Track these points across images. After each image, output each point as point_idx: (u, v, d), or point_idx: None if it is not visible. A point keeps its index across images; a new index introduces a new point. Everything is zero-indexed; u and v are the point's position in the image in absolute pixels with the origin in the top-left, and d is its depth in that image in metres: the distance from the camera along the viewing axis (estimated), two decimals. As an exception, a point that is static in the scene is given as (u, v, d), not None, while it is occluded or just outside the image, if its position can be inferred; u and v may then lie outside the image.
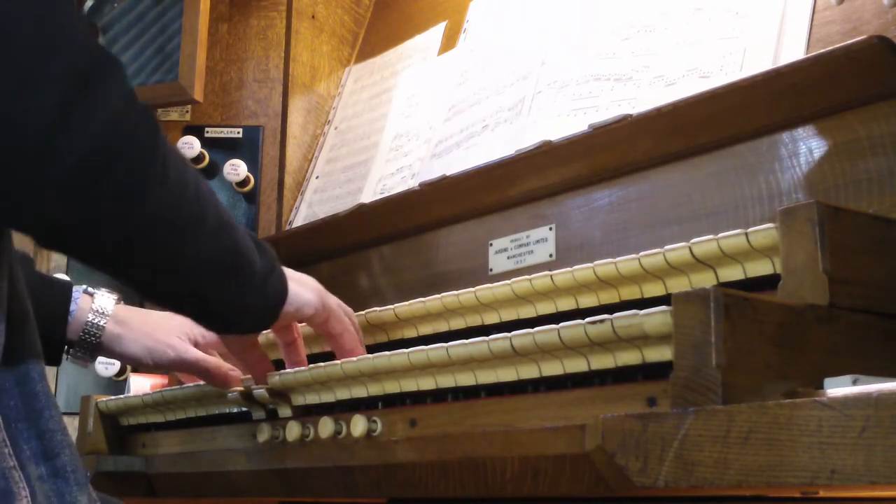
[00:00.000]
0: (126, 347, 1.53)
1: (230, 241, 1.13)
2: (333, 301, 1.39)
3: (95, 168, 0.91)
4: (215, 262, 1.12)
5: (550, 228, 1.59)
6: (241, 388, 1.43)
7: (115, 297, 1.56)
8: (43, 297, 1.43)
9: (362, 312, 1.51)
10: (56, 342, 1.49)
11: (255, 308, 1.22)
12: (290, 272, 1.31)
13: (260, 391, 1.38)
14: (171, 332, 1.55)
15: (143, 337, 1.53)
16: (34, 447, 1.00)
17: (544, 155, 1.56)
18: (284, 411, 1.38)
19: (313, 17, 2.35)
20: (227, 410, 1.52)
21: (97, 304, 1.52)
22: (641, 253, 1.16)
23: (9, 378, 1.00)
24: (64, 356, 1.54)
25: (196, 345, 1.55)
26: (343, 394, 1.30)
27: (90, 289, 1.54)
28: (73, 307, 1.50)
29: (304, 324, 1.41)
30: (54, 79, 0.87)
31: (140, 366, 1.64)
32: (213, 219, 1.09)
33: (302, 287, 1.32)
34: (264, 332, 1.44)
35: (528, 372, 1.08)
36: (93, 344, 1.52)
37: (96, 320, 1.52)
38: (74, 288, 1.51)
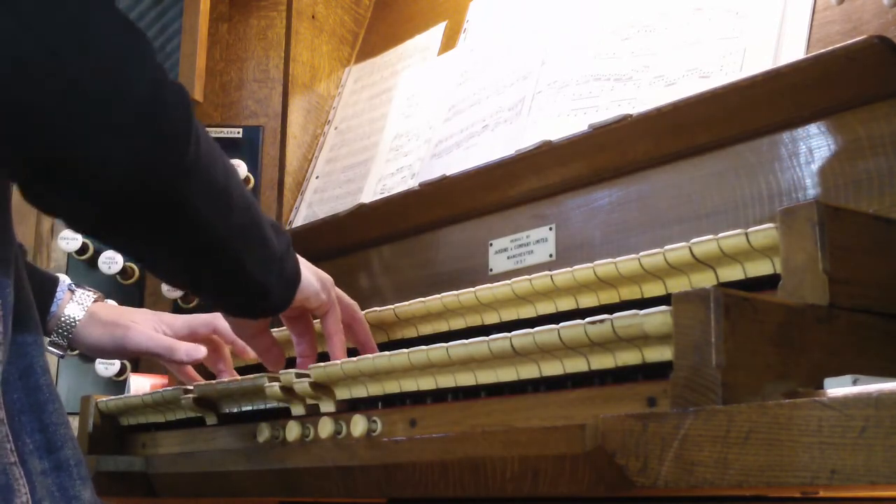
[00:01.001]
0: (93, 340, 1.57)
1: (253, 216, 1.13)
2: (337, 298, 1.39)
3: (146, 117, 0.92)
4: (245, 235, 1.11)
5: (550, 228, 1.59)
6: (239, 388, 1.43)
7: (95, 296, 1.59)
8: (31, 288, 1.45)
9: (362, 312, 1.51)
10: None
11: (276, 288, 1.21)
12: (301, 260, 1.31)
13: (273, 389, 1.36)
14: (137, 320, 1.57)
15: (102, 326, 1.56)
16: (37, 440, 1.00)
17: (544, 155, 1.56)
18: (297, 410, 1.38)
19: (313, 17, 2.35)
20: (227, 410, 1.52)
21: (77, 299, 1.55)
22: (641, 253, 1.16)
23: (12, 371, 1.00)
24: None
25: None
26: (343, 393, 1.30)
27: (73, 286, 1.57)
28: (54, 306, 1.54)
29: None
30: (105, 25, 0.90)
31: (106, 355, 1.67)
32: (238, 192, 1.10)
33: (312, 276, 1.32)
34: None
35: (528, 372, 1.08)
36: (66, 337, 1.56)
37: (73, 314, 1.55)
38: (59, 285, 1.53)
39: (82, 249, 2.13)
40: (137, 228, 1.02)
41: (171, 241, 1.06)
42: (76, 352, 1.82)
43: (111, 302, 1.95)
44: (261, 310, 1.26)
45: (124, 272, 2.15)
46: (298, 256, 1.30)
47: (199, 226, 1.04)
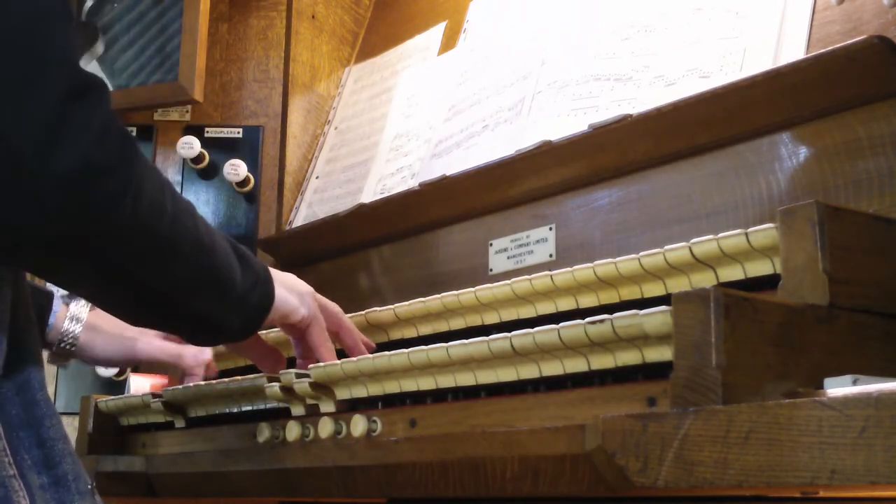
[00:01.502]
0: (99, 351, 1.59)
1: (208, 262, 1.13)
2: (321, 307, 1.38)
3: (73, 187, 0.91)
4: (191, 283, 1.12)
5: (550, 228, 1.59)
6: (239, 388, 1.43)
7: (89, 305, 1.60)
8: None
9: (362, 312, 1.51)
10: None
11: (235, 323, 1.22)
12: (283, 278, 1.32)
13: (273, 389, 1.37)
14: (138, 328, 1.59)
15: (112, 338, 1.59)
16: (35, 456, 1.00)
17: (544, 155, 1.56)
18: (297, 410, 1.38)
19: (313, 17, 2.35)
20: (228, 410, 1.52)
21: (72, 311, 1.57)
22: (641, 253, 1.16)
23: (10, 387, 1.00)
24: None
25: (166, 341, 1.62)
26: (343, 393, 1.30)
27: (66, 297, 1.58)
28: (51, 318, 1.56)
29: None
30: (40, 97, 0.89)
31: (110, 364, 1.69)
32: (189, 241, 1.09)
33: (290, 293, 1.32)
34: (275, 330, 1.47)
35: (528, 372, 1.08)
36: (68, 351, 1.58)
37: (72, 328, 1.57)
38: (55, 298, 1.55)
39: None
40: (69, 282, 1.06)
41: (105, 293, 1.10)
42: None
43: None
44: (220, 340, 1.28)
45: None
46: (277, 274, 1.30)
47: (134, 282, 1.06)
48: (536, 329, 1.05)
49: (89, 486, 1.06)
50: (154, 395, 1.62)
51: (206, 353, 1.60)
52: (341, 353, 1.44)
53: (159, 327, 1.26)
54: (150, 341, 1.60)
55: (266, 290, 1.26)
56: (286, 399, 1.35)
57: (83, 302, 1.59)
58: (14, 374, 1.00)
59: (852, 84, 1.21)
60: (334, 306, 1.43)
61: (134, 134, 2.23)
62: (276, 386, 1.35)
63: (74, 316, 1.56)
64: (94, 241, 0.97)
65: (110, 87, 2.15)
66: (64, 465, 1.02)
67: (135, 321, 1.21)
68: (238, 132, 2.23)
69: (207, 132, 2.22)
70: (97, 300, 1.17)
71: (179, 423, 1.61)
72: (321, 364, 1.31)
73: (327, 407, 1.31)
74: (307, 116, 2.29)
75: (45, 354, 1.57)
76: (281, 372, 1.36)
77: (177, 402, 1.59)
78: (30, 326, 1.05)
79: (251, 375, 1.42)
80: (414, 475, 1.10)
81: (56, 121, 0.89)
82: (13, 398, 1.00)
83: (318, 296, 1.40)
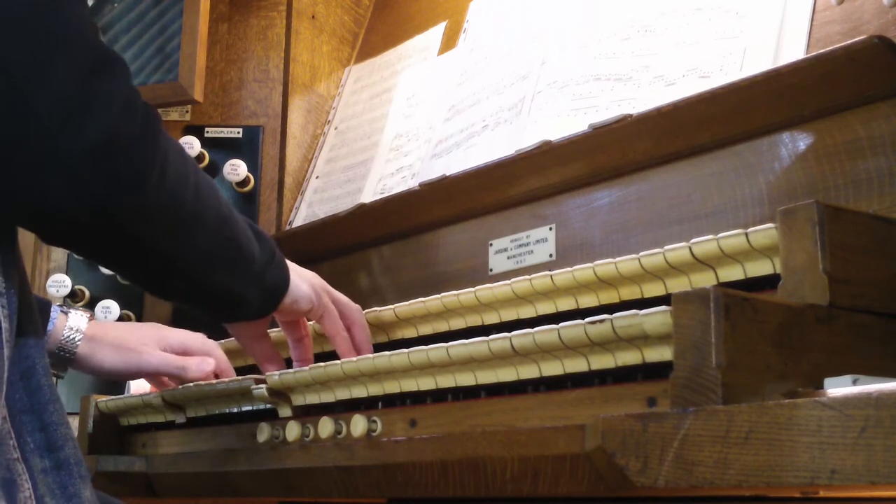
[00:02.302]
0: (99, 362, 1.59)
1: (230, 234, 1.16)
2: (331, 300, 1.40)
3: (99, 160, 0.93)
4: (214, 254, 1.14)
5: (550, 228, 1.59)
6: (239, 388, 1.43)
7: (88, 316, 1.61)
8: None
9: (364, 317, 1.51)
10: None
11: (255, 297, 1.24)
12: (292, 266, 1.34)
13: (260, 391, 1.38)
14: (140, 340, 1.60)
15: (113, 350, 1.59)
16: (38, 440, 1.02)
17: (544, 155, 1.56)
18: (284, 411, 1.38)
19: (313, 17, 2.35)
20: (227, 410, 1.52)
21: (71, 322, 1.57)
22: (641, 253, 1.16)
23: (14, 372, 1.01)
24: None
25: (164, 351, 1.62)
26: (343, 394, 1.30)
27: (65, 308, 1.59)
28: (50, 326, 1.56)
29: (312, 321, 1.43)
30: (64, 74, 0.90)
31: (114, 377, 1.69)
32: (212, 213, 1.12)
33: (302, 281, 1.35)
34: (275, 329, 1.47)
35: (528, 372, 1.08)
36: (66, 359, 1.58)
37: (72, 336, 1.57)
38: (52, 307, 1.56)
39: (82, 249, 2.13)
40: (97, 254, 1.09)
41: (131, 265, 1.12)
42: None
43: (101, 318, 1.98)
44: (240, 316, 1.30)
45: (124, 272, 2.15)
46: (289, 263, 1.32)
47: (160, 254, 1.08)
48: (536, 329, 1.05)
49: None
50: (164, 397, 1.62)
51: (210, 363, 1.61)
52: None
53: (182, 299, 1.26)
54: (154, 353, 1.60)
55: (281, 269, 1.29)
56: (273, 401, 1.36)
57: (81, 312, 1.60)
58: (18, 360, 1.01)
59: (852, 84, 1.21)
60: (353, 304, 1.45)
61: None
62: (263, 388, 1.36)
63: (73, 326, 1.56)
64: (123, 213, 0.98)
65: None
66: (66, 448, 1.04)
67: (159, 293, 1.23)
68: (238, 132, 2.23)
69: (207, 132, 2.22)
70: (122, 271, 1.18)
71: (180, 419, 1.61)
72: (321, 364, 1.31)
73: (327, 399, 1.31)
74: (307, 116, 2.29)
75: None
76: (281, 372, 1.36)
77: (175, 401, 1.60)
78: (32, 315, 1.06)
79: (250, 376, 1.42)
80: (414, 475, 1.10)
81: (80, 96, 0.91)
82: (17, 383, 1.01)
83: (333, 290, 1.42)
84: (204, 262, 1.13)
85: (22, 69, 0.88)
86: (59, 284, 2.09)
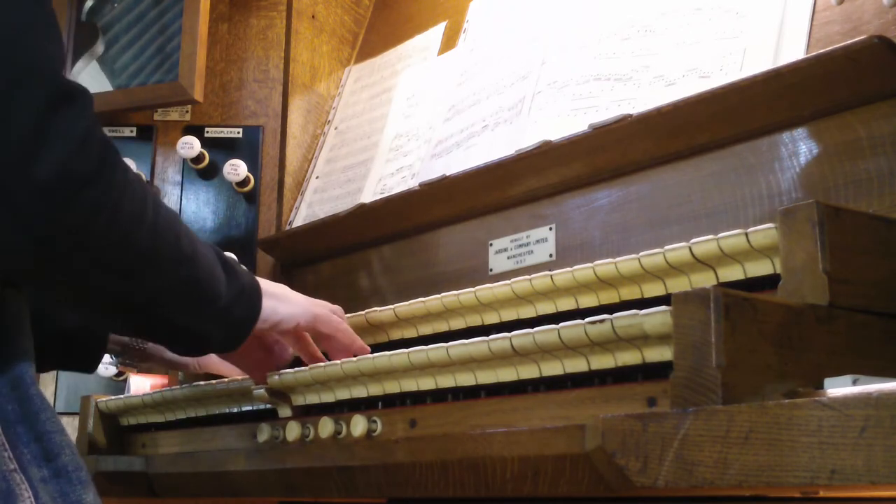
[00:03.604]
0: (171, 354, 1.56)
1: (189, 273, 1.13)
2: (322, 314, 1.38)
3: (47, 198, 0.92)
4: (169, 294, 1.12)
5: (550, 228, 1.59)
6: (239, 388, 1.43)
7: None
8: None
9: (362, 312, 1.51)
10: (94, 346, 1.51)
11: (218, 334, 1.22)
12: (274, 289, 1.32)
13: (259, 391, 1.38)
14: None
15: None
16: (34, 450, 1.01)
17: (544, 155, 1.56)
18: (284, 411, 1.38)
19: (313, 17, 2.35)
20: (227, 410, 1.52)
21: None
22: (641, 253, 1.16)
23: (4, 383, 1.00)
24: (112, 364, 1.55)
25: None
26: (343, 394, 1.30)
27: None
28: None
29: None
30: (21, 108, 0.89)
31: (184, 368, 1.66)
32: (168, 253, 1.09)
33: (283, 303, 1.32)
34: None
35: (528, 372, 1.08)
36: (138, 351, 1.55)
37: None
38: None
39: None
40: (43, 289, 1.06)
41: (78, 302, 1.10)
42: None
43: None
44: (207, 352, 1.28)
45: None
46: (266, 284, 1.30)
47: (107, 293, 1.06)
48: (536, 329, 1.05)
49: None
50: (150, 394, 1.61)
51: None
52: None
53: (141, 336, 1.25)
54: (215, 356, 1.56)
55: (251, 302, 1.26)
56: (273, 401, 1.36)
57: None
58: (7, 371, 1.01)
59: (852, 84, 1.21)
60: (330, 316, 1.42)
61: (134, 134, 2.23)
62: (262, 388, 1.36)
63: None
64: (70, 251, 0.97)
65: (110, 87, 2.17)
66: (63, 456, 1.03)
67: (115, 330, 1.21)
68: (238, 132, 2.23)
69: (207, 132, 2.22)
70: (75, 307, 1.16)
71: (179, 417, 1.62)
72: (321, 364, 1.31)
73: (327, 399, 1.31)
74: (307, 116, 2.29)
75: (115, 358, 1.56)
76: (282, 371, 1.36)
77: (164, 401, 1.60)
78: (21, 323, 1.05)
79: (238, 378, 1.42)
80: (414, 475, 1.10)
81: (37, 130, 0.90)
82: (8, 394, 1.01)
83: (318, 301, 1.40)
84: (159, 301, 1.12)
85: None
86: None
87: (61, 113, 0.92)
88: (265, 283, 1.31)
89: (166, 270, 1.09)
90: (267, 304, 1.28)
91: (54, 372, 2.12)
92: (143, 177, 2.17)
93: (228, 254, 1.27)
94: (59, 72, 0.94)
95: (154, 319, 1.13)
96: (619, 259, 1.19)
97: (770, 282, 1.03)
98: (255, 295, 1.27)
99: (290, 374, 1.35)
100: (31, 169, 0.90)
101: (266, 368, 1.40)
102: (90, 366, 1.54)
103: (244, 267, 1.29)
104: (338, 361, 1.28)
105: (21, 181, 0.89)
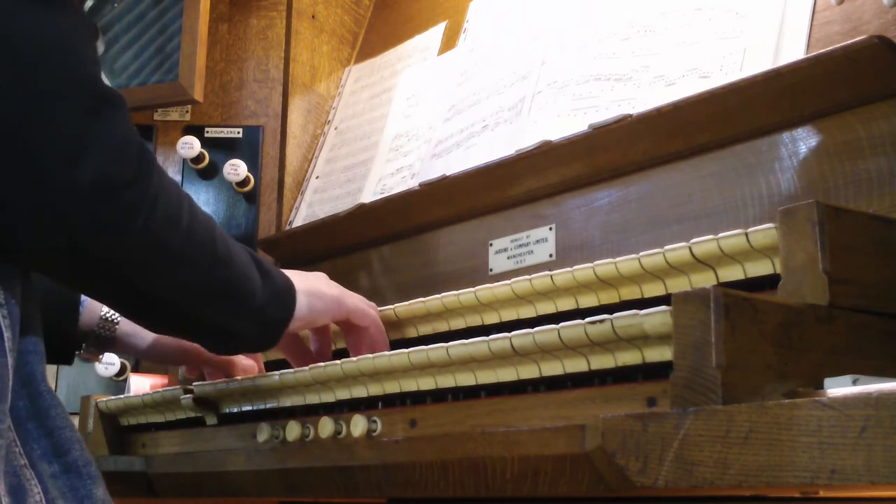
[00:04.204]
0: (142, 339, 1.58)
1: (222, 274, 1.16)
2: (359, 307, 1.41)
3: (86, 201, 0.95)
4: (205, 293, 1.15)
5: (550, 228, 1.59)
6: (240, 387, 1.43)
7: None
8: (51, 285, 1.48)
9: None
10: (67, 336, 1.51)
11: (250, 334, 1.25)
12: (306, 284, 1.34)
13: (263, 390, 1.38)
14: None
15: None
16: (44, 446, 1.02)
17: (544, 155, 1.56)
18: (283, 411, 1.38)
19: (313, 17, 2.35)
20: (227, 410, 1.52)
21: None
22: (641, 253, 1.16)
23: (15, 380, 1.01)
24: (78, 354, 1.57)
25: None
26: (343, 394, 1.30)
27: None
28: (84, 302, 1.53)
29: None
30: (63, 116, 0.94)
31: (157, 357, 1.67)
32: (203, 254, 1.13)
33: (317, 299, 1.34)
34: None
35: (528, 372, 1.08)
36: (105, 338, 1.56)
37: (111, 315, 1.56)
38: None
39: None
40: (76, 286, 1.12)
41: (117, 302, 1.15)
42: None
43: None
44: (237, 350, 1.31)
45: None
46: (301, 280, 1.32)
47: (146, 292, 1.09)
48: (536, 329, 1.04)
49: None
50: (185, 391, 1.58)
51: (259, 360, 1.61)
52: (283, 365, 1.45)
53: (175, 335, 1.29)
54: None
55: (286, 303, 1.29)
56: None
57: None
58: (19, 368, 1.02)
59: (852, 84, 1.21)
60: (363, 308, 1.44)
61: (134, 134, 2.23)
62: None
63: None
64: (107, 252, 1.00)
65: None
66: (73, 452, 1.04)
67: (151, 328, 1.25)
68: (238, 132, 2.23)
69: (207, 132, 2.22)
70: (112, 306, 1.20)
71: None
72: (321, 364, 1.31)
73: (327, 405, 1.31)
74: (307, 116, 2.29)
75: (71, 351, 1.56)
76: (281, 371, 1.36)
77: (164, 401, 1.59)
78: (32, 322, 1.06)
79: (249, 376, 1.42)
80: (414, 475, 1.10)
81: (77, 136, 0.94)
82: (20, 391, 1.02)
83: (348, 299, 1.41)
84: (193, 301, 1.14)
85: (22, 108, 0.92)
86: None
87: (101, 118, 0.96)
88: (299, 279, 1.33)
89: (201, 270, 1.13)
90: (301, 302, 1.31)
91: (54, 372, 2.12)
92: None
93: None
94: (97, 77, 0.98)
95: (187, 318, 1.16)
96: (619, 259, 1.19)
97: (770, 282, 1.03)
98: (290, 295, 1.30)
99: (290, 374, 1.35)
100: (72, 173, 0.93)
101: (307, 361, 1.43)
102: (68, 359, 1.56)
103: (279, 268, 1.31)
104: (338, 361, 1.28)
105: (62, 185, 0.93)
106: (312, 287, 1.35)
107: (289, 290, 1.29)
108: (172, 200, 1.06)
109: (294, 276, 1.33)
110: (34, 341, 1.05)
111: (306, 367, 1.34)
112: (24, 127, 0.92)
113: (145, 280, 1.07)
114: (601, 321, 0.97)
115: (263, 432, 1.37)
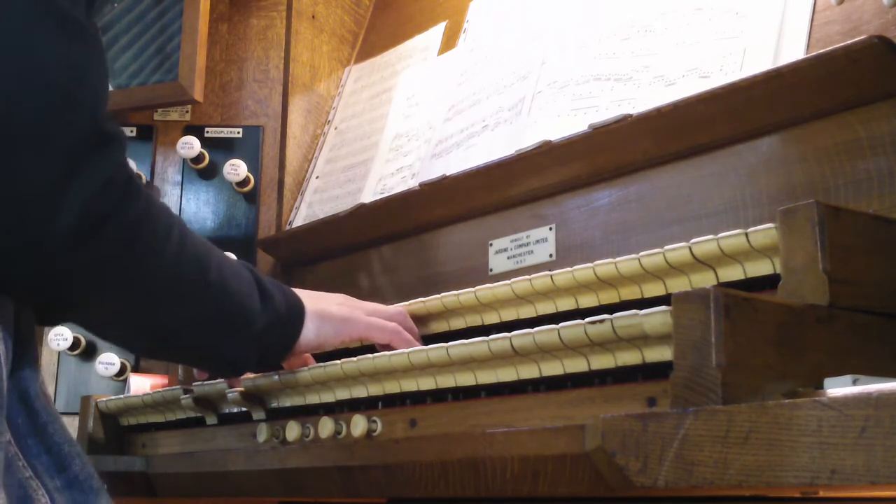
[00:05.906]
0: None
1: (214, 301, 1.16)
2: (377, 323, 1.38)
3: (74, 235, 0.94)
4: (194, 321, 1.15)
5: (550, 228, 1.59)
6: (241, 388, 1.43)
7: None
8: None
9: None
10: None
11: (249, 359, 1.25)
12: (320, 306, 1.32)
13: (233, 395, 1.38)
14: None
15: None
16: (45, 462, 1.02)
17: (544, 155, 1.56)
18: (284, 411, 1.38)
19: (313, 17, 2.35)
20: (227, 410, 1.52)
21: None
22: (641, 253, 1.16)
23: (13, 397, 1.01)
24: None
25: None
26: (343, 394, 1.30)
27: None
28: None
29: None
30: (63, 144, 0.92)
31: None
32: (192, 281, 1.12)
33: (327, 323, 1.33)
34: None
35: (528, 372, 1.08)
36: None
37: None
38: None
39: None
40: (69, 317, 1.10)
41: (108, 333, 1.15)
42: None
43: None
44: (235, 373, 1.31)
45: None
46: (311, 302, 1.31)
47: (135, 325, 1.10)
48: (536, 329, 1.05)
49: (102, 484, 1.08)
50: (185, 391, 1.59)
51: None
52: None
53: (174, 361, 1.28)
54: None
55: (287, 329, 1.28)
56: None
57: None
58: (14, 386, 1.01)
59: (852, 84, 1.21)
60: (385, 309, 1.43)
61: (134, 134, 2.23)
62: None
63: None
64: (89, 284, 1.00)
65: (110, 87, 2.16)
66: (73, 467, 1.04)
67: (145, 355, 1.25)
68: (238, 132, 2.23)
69: (207, 132, 2.22)
70: (103, 337, 1.21)
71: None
72: (320, 364, 1.31)
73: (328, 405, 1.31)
74: (307, 116, 2.29)
75: None
76: (280, 372, 1.36)
77: (164, 401, 1.59)
78: (30, 334, 1.06)
79: (251, 376, 1.42)
80: (414, 475, 1.10)
81: (66, 174, 0.92)
82: (18, 408, 1.02)
83: (367, 305, 1.40)
84: (181, 328, 1.14)
85: (25, 132, 0.90)
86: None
87: (94, 154, 0.94)
88: (311, 301, 1.32)
89: (189, 299, 1.12)
90: (309, 327, 1.30)
91: (54, 372, 2.12)
92: (159, 192, 2.17)
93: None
94: (98, 113, 0.96)
95: (178, 345, 1.17)
96: (619, 259, 1.19)
97: (770, 282, 1.03)
98: (294, 320, 1.28)
99: (290, 374, 1.34)
100: (55, 210, 0.92)
101: None
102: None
103: (292, 290, 1.30)
104: (338, 361, 1.28)
105: (45, 222, 0.92)
106: (322, 310, 1.33)
107: (294, 315, 1.28)
108: (158, 229, 1.05)
109: (306, 297, 1.32)
110: (30, 357, 1.05)
111: (306, 368, 1.34)
112: (21, 152, 0.90)
113: (132, 310, 1.07)
114: (601, 321, 0.97)
115: (263, 432, 1.37)
